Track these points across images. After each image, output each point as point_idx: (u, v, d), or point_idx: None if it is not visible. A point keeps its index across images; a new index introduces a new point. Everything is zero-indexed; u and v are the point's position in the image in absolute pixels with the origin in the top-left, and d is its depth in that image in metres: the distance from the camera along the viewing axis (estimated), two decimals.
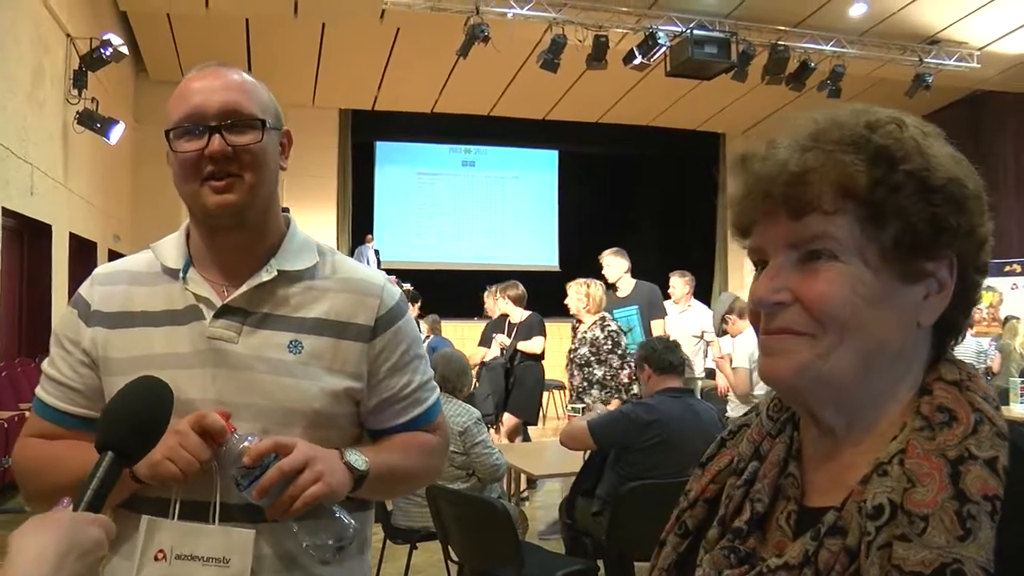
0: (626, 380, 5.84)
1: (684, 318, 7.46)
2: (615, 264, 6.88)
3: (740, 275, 17.14)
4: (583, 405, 5.34)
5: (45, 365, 1.57)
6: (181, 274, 1.51)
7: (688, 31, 11.22)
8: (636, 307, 6.71)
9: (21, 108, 7.88)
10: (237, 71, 1.52)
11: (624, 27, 11.41)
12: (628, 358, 5.83)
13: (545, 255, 18.12)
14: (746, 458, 0.95)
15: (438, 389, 1.71)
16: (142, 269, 1.57)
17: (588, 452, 4.49)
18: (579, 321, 6.12)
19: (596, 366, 5.88)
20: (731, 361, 6.13)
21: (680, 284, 7.65)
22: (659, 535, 1.01)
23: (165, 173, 1.52)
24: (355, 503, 1.52)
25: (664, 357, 4.17)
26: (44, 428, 1.53)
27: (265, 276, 1.50)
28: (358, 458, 1.46)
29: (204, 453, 1.34)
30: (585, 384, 5.88)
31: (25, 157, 7.89)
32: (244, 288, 1.49)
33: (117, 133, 9.99)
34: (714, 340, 7.40)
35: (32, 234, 8.83)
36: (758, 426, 0.97)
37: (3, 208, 7.42)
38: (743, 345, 5.92)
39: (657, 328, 6.60)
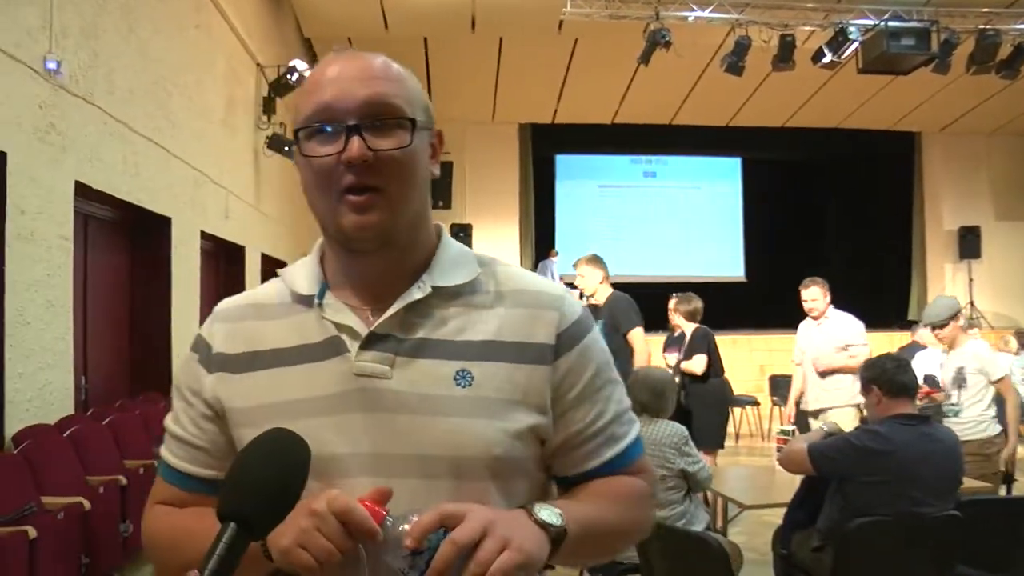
0: None
1: (821, 332, 6.15)
2: (589, 274, 5.86)
3: (940, 283, 16.04)
4: (792, 427, 4.96)
5: (168, 421, 1.33)
6: (316, 300, 1.25)
7: (883, 23, 10.54)
8: (601, 322, 5.52)
9: (217, 136, 8.17)
10: (382, 56, 1.25)
11: (811, 24, 10.83)
12: None
13: (730, 266, 17.60)
14: None
15: (638, 422, 1.37)
16: (270, 300, 1.31)
17: (801, 479, 4.14)
18: None
19: None
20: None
21: (820, 295, 6.15)
22: None
23: None
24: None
25: (896, 379, 3.72)
26: (171, 494, 1.31)
27: (418, 293, 1.22)
28: (551, 512, 1.12)
29: (345, 543, 1.02)
30: None
31: (220, 182, 8.17)
32: (393, 309, 1.21)
33: None
34: (859, 354, 5.81)
35: (227, 256, 9.15)
36: None
37: (201, 231, 7.69)
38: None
39: (635, 339, 5.56)
